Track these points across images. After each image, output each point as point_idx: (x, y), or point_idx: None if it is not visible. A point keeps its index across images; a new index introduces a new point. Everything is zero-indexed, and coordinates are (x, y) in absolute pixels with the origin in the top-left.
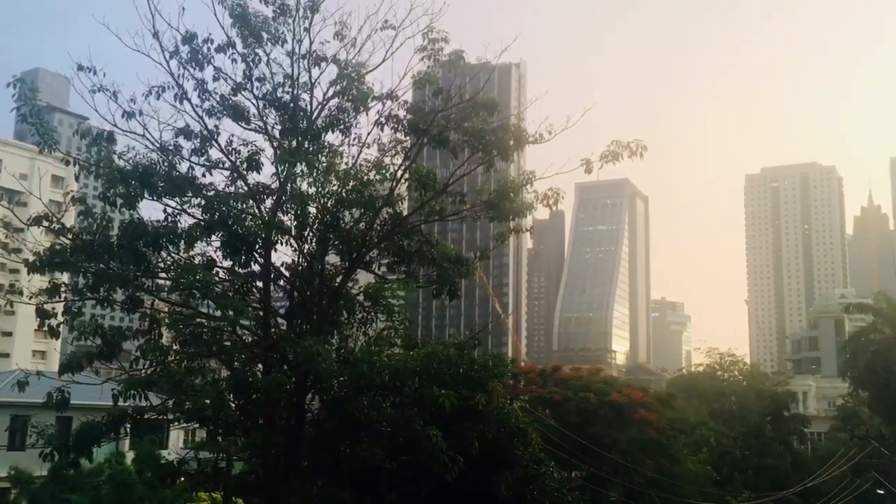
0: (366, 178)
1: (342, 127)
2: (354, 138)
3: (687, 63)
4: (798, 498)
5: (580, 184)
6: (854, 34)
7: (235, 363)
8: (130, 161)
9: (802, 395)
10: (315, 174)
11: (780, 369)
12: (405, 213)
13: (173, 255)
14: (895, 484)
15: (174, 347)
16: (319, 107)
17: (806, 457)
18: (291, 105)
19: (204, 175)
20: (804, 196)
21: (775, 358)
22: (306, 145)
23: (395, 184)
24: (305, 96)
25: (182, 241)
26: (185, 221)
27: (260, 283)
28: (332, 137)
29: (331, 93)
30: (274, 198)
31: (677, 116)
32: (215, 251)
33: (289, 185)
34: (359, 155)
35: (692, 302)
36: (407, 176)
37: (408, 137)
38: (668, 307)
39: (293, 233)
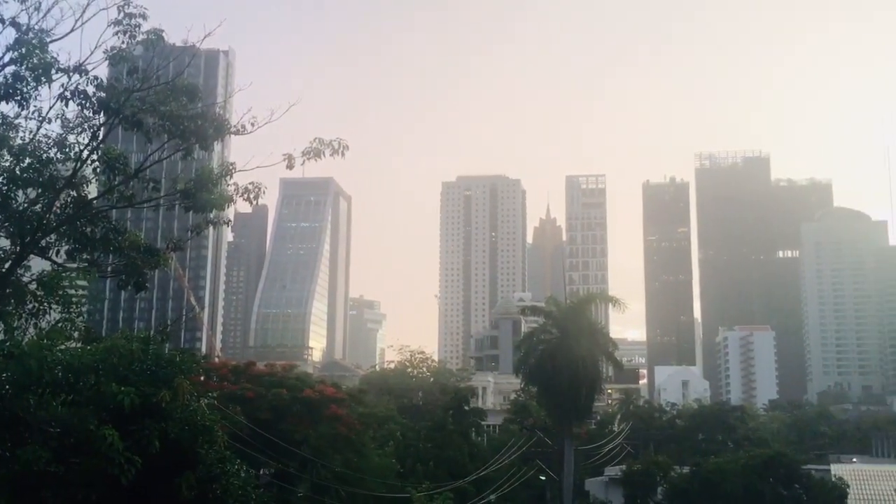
0: (45, 155)
1: (19, 98)
2: (33, 111)
3: (393, 70)
4: (472, 486)
5: (284, 179)
6: (539, 63)
7: None
8: None
9: (482, 390)
10: None
11: (464, 366)
12: (90, 196)
13: None
14: (556, 471)
15: None
16: None
17: (482, 447)
18: None
19: None
20: (493, 205)
21: (461, 355)
22: None
23: (79, 164)
24: None
25: None
26: None
27: None
28: (6, 108)
29: (7, 59)
30: None
31: (385, 119)
32: None
33: None
34: (38, 130)
35: (388, 301)
36: (94, 157)
37: (97, 116)
38: (365, 305)
39: None
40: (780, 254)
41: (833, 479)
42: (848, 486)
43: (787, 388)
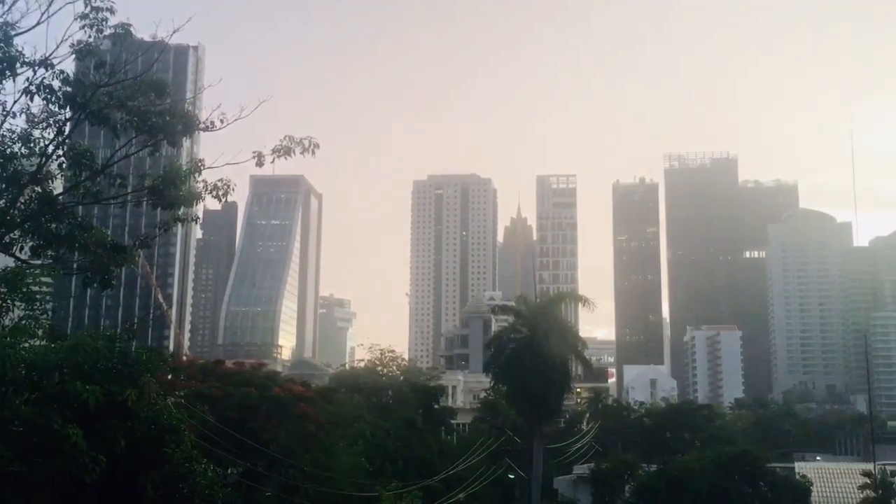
0: (10, 150)
1: None
2: None
3: (364, 69)
4: (441, 485)
5: (255, 177)
6: (510, 63)
7: None
8: None
9: (452, 389)
10: None
11: (434, 365)
12: (56, 192)
13: None
14: (525, 469)
15: None
16: None
17: (451, 446)
18: None
19: None
20: (464, 204)
21: (431, 354)
22: None
23: (44, 160)
24: None
25: None
26: None
27: None
28: None
29: None
30: None
31: (357, 117)
32: None
33: None
34: (2, 124)
35: (359, 299)
36: (60, 152)
37: (63, 111)
38: (335, 304)
39: None
40: (747, 254)
41: (797, 476)
42: (811, 484)
43: (753, 387)
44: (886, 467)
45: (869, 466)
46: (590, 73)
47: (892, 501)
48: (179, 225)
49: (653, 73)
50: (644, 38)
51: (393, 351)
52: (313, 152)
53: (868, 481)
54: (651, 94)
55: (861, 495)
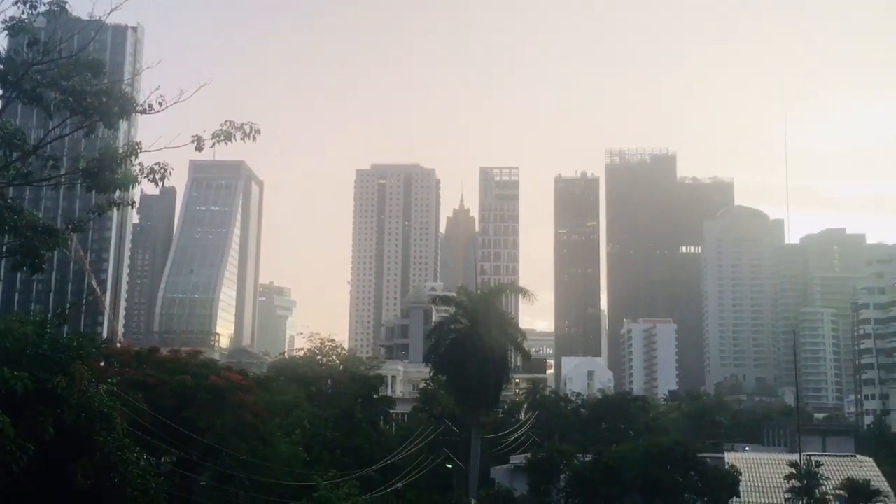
0: None
1: None
2: None
3: (308, 55)
4: (379, 474)
5: (195, 161)
6: (454, 53)
7: None
8: None
9: (391, 379)
10: None
11: (374, 354)
12: None
13: None
14: (463, 459)
15: None
16: None
17: (390, 436)
18: None
19: None
20: (407, 194)
21: (371, 344)
22: None
23: None
24: None
25: None
26: None
27: None
28: None
29: None
30: None
31: (299, 104)
32: None
33: None
34: None
35: (299, 288)
36: None
37: None
38: (275, 292)
39: None
40: (684, 249)
41: (726, 466)
42: (740, 473)
43: (687, 379)
44: (811, 458)
45: (795, 457)
46: (534, 67)
47: (816, 490)
48: (115, 209)
49: (596, 69)
50: (587, 34)
51: (333, 340)
52: (254, 138)
53: (794, 471)
54: (594, 89)
55: (787, 484)
